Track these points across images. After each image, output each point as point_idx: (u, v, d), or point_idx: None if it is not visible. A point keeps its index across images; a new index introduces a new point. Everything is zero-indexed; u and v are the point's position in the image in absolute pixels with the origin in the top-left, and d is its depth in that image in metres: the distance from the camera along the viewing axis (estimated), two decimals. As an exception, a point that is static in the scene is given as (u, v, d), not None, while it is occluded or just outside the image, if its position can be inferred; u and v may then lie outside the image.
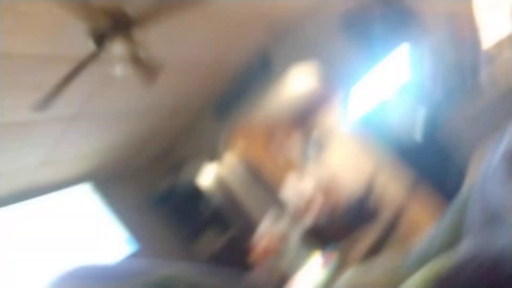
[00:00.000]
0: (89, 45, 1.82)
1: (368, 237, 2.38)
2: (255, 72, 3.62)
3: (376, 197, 4.41)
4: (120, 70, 2.00)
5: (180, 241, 3.87)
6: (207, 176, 3.85)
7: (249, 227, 3.34)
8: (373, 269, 0.63)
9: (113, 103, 2.81)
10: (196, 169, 3.86)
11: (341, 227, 4.63)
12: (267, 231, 2.90)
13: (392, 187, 3.71)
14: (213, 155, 3.97)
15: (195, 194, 3.88)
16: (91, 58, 1.86)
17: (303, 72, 3.63)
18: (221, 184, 3.90)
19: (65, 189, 3.28)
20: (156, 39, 2.11)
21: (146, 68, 2.04)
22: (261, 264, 3.18)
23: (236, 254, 3.71)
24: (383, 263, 0.67)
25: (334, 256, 1.70)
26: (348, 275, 0.72)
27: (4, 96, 2.06)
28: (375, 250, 1.90)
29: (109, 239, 3.31)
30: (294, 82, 4.06)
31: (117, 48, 1.86)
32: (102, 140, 3.19)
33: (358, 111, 3.65)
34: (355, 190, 4.89)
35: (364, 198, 4.66)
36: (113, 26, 1.77)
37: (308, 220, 4.98)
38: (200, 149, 4.04)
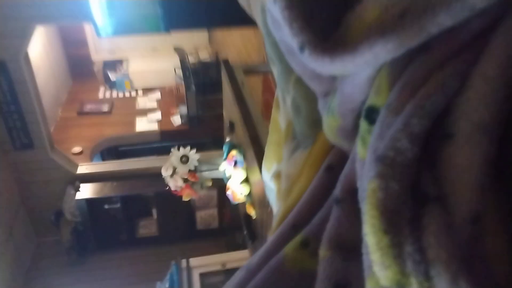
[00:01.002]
0: None
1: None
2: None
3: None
4: None
5: (125, 246, 3.78)
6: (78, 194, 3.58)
7: (156, 185, 3.34)
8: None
9: None
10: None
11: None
12: (172, 172, 2.93)
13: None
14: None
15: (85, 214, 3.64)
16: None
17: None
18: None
19: None
20: None
21: None
22: (193, 194, 3.31)
23: (173, 206, 3.77)
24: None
25: (233, 155, 1.82)
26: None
27: None
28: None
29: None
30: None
31: None
32: None
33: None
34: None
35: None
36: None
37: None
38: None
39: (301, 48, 0.31)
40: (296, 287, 0.37)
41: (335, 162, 0.43)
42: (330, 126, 0.40)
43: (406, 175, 0.24)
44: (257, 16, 0.63)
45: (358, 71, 0.31)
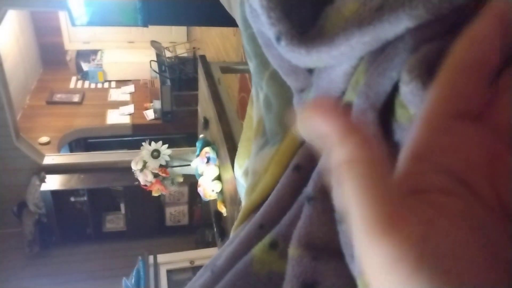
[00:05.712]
0: None
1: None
2: None
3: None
4: None
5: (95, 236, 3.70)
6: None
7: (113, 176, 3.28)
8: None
9: None
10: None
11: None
12: (142, 166, 2.89)
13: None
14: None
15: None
16: None
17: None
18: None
19: None
20: None
21: None
22: (163, 190, 3.26)
23: (142, 201, 3.72)
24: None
25: (206, 152, 1.82)
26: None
27: None
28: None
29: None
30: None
31: None
32: None
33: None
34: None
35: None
36: None
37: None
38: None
39: (278, 39, 0.31)
40: None
41: (303, 162, 0.42)
42: None
43: None
44: (236, 11, 0.64)
45: (335, 64, 0.31)
